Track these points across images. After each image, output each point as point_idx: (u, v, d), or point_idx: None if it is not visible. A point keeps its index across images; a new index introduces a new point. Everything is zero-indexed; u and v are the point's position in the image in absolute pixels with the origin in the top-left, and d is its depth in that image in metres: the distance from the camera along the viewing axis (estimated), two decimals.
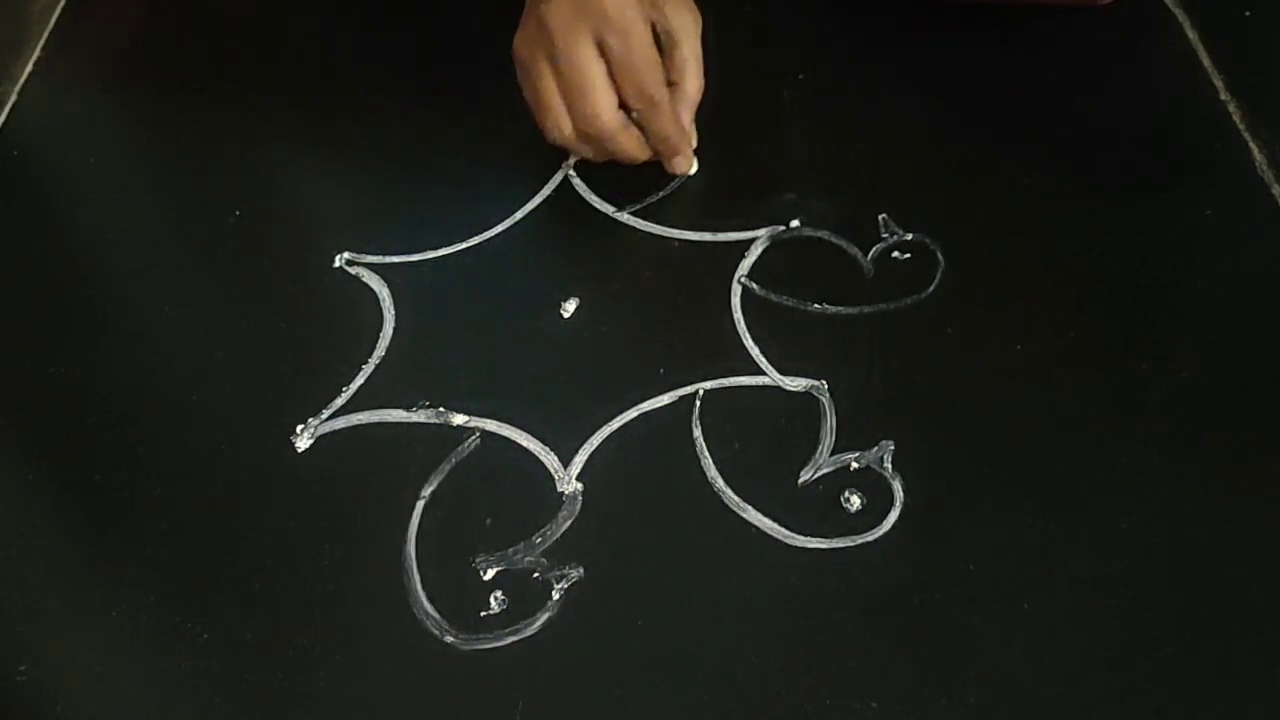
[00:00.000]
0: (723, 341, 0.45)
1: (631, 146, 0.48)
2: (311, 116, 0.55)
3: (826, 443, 0.41)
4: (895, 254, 0.47)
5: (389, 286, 0.47)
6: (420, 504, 0.41)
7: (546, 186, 0.50)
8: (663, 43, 0.47)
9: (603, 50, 0.44)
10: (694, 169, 0.50)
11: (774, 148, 0.51)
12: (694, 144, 0.50)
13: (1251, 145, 0.49)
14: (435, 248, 0.48)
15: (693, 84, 0.48)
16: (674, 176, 0.50)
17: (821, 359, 0.44)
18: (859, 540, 0.39)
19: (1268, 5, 0.55)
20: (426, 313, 0.47)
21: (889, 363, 0.43)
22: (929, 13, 0.55)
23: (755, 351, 0.44)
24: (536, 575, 0.39)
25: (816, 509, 0.40)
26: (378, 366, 0.45)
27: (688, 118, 0.49)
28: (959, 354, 0.43)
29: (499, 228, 0.49)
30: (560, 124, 0.46)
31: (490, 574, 0.39)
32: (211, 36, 0.59)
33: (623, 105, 0.46)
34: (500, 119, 0.52)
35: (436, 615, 0.38)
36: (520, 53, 0.46)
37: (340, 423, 0.43)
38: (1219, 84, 0.52)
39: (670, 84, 0.47)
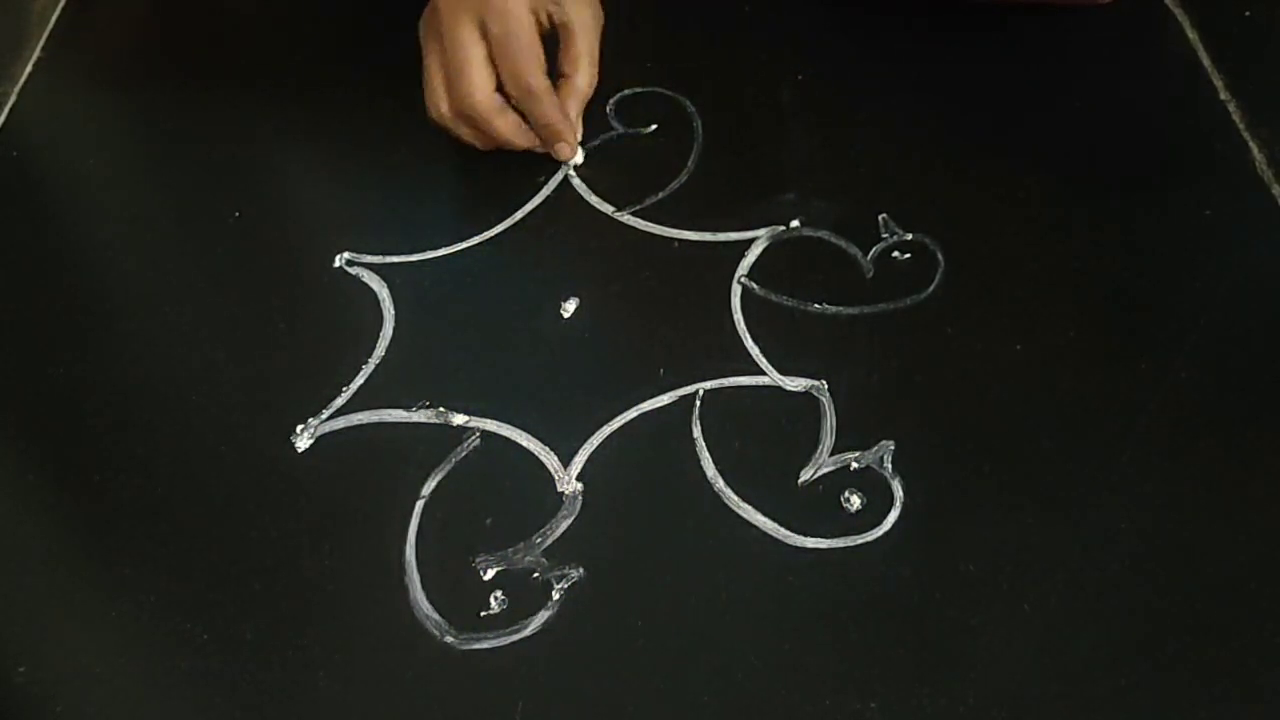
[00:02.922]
0: (723, 341, 0.45)
1: (507, 130, 0.48)
2: (312, 116, 0.55)
3: (826, 443, 0.41)
4: (895, 254, 0.47)
5: (389, 286, 0.47)
6: (420, 504, 0.41)
7: (546, 186, 0.50)
8: (559, 36, 0.48)
9: (484, 33, 0.46)
10: (579, 159, 0.51)
11: (774, 148, 0.51)
12: (579, 136, 0.50)
13: (1251, 145, 0.49)
14: (435, 248, 0.48)
15: (584, 78, 0.49)
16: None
17: (821, 359, 0.44)
18: (859, 540, 0.39)
19: (1268, 5, 0.55)
20: (426, 313, 0.47)
21: (889, 363, 0.43)
22: (929, 13, 0.55)
23: (755, 351, 0.44)
24: (536, 575, 0.39)
25: (816, 509, 0.40)
26: (378, 366, 0.45)
27: (574, 110, 0.50)
28: (959, 354, 0.43)
29: (499, 228, 0.49)
30: (438, 102, 0.48)
31: (490, 574, 0.39)
32: (212, 36, 0.59)
33: (503, 90, 0.47)
34: None
35: (436, 615, 0.38)
36: (419, 31, 0.48)
37: (340, 423, 0.43)
38: (1219, 84, 0.52)
39: (562, 75, 0.49)
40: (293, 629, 0.38)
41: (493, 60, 0.46)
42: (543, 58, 0.47)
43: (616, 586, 0.39)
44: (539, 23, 0.47)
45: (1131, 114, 0.51)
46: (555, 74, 0.49)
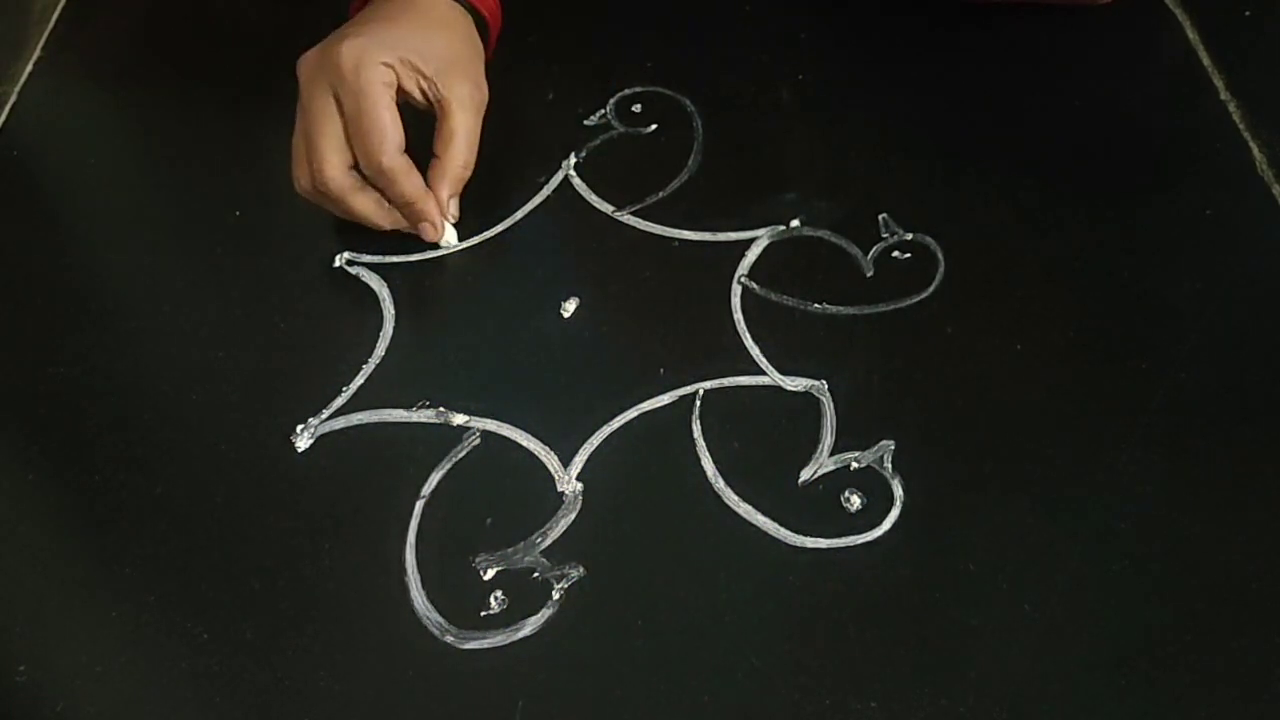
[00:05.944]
0: (723, 341, 0.45)
1: (367, 210, 0.46)
2: None
3: (826, 443, 0.41)
4: (895, 254, 0.47)
5: (389, 286, 0.47)
6: (420, 504, 0.41)
7: (546, 187, 0.50)
8: (435, 112, 0.46)
9: (340, 107, 0.44)
10: (452, 241, 0.48)
11: (774, 148, 0.51)
12: (452, 217, 0.47)
13: (1251, 145, 0.49)
14: (435, 248, 0.48)
15: (456, 158, 0.46)
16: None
17: (821, 359, 0.44)
18: (859, 540, 0.39)
19: (1268, 5, 0.55)
20: (426, 313, 0.47)
21: (889, 363, 0.43)
22: (928, 13, 0.55)
23: (755, 351, 0.44)
24: (536, 575, 0.39)
25: (816, 509, 0.40)
26: (378, 366, 0.45)
27: (445, 190, 0.47)
28: (959, 354, 0.44)
29: (499, 228, 0.49)
30: (299, 175, 0.46)
31: (490, 574, 0.39)
32: (211, 36, 0.59)
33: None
34: (500, 120, 0.52)
35: (436, 615, 0.38)
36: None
37: (340, 423, 0.43)
38: (1219, 84, 0.52)
39: (434, 155, 0.46)
40: (293, 629, 0.38)
41: (349, 136, 0.44)
42: (399, 136, 0.44)
43: (616, 586, 0.39)
44: (413, 97, 0.45)
45: (1131, 114, 0.51)
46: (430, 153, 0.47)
